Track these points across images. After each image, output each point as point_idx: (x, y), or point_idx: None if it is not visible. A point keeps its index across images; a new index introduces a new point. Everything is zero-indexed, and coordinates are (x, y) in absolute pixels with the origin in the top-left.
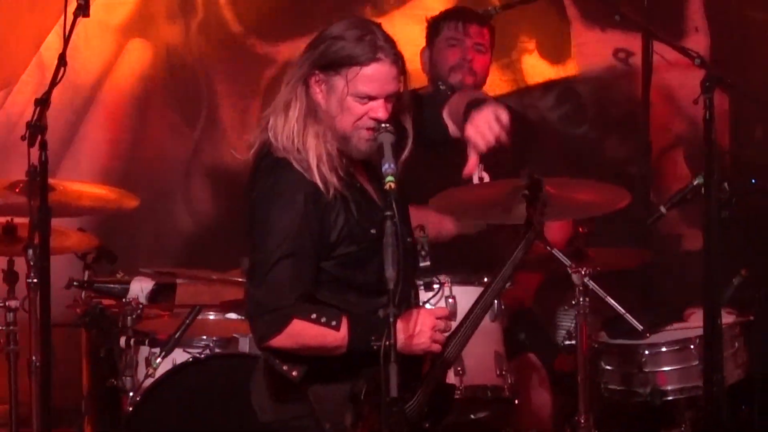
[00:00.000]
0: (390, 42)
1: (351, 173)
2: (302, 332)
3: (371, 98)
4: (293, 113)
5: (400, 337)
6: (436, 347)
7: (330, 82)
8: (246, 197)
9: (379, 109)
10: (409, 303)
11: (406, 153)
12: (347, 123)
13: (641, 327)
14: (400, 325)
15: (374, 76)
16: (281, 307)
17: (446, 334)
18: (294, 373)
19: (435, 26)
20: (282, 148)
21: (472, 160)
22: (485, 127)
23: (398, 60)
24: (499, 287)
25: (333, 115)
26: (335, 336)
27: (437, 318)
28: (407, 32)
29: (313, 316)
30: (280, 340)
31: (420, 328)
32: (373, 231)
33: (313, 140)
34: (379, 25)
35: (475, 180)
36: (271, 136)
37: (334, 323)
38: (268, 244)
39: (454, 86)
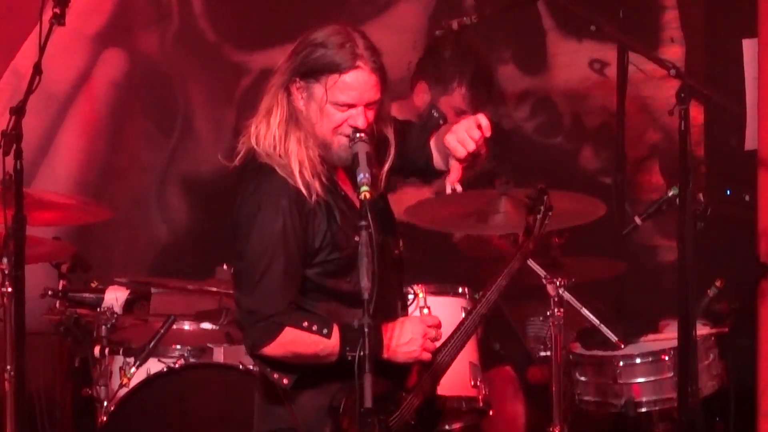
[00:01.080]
0: (372, 50)
1: (334, 181)
2: (294, 341)
3: (350, 106)
4: (275, 119)
5: (391, 344)
6: (426, 356)
7: (310, 89)
8: (231, 204)
9: (358, 117)
10: (395, 314)
11: (389, 163)
12: (327, 130)
13: (616, 338)
14: (390, 332)
15: (353, 84)
16: (273, 315)
17: (436, 343)
18: (285, 381)
19: (446, 80)
20: (265, 154)
21: (454, 169)
22: (464, 135)
23: (379, 68)
24: (493, 298)
25: (313, 122)
26: (326, 344)
27: (428, 326)
28: (382, 42)
29: (305, 324)
30: (272, 349)
31: (411, 335)
32: (356, 238)
33: (294, 146)
34: (362, 33)
35: (448, 190)
36: (254, 143)
37: (325, 331)
38: (255, 251)
39: None
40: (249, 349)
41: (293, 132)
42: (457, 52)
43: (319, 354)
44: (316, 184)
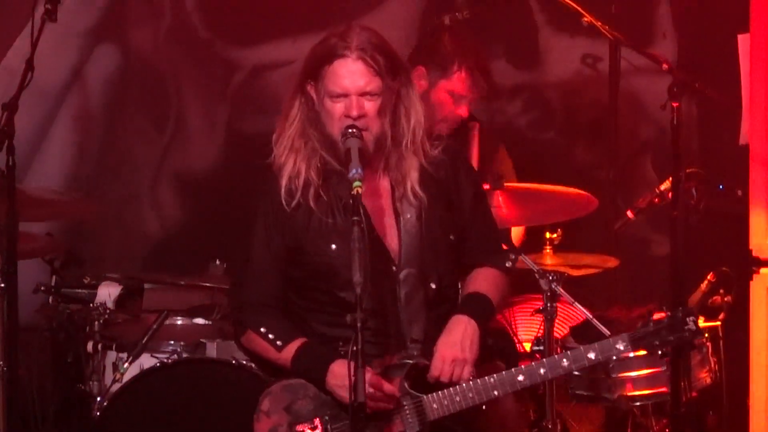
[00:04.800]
0: (366, 42)
1: (347, 183)
2: (253, 342)
3: (342, 95)
4: (289, 124)
5: (330, 381)
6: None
7: (318, 90)
8: None
9: (351, 107)
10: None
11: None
12: (332, 127)
13: (608, 332)
14: (339, 368)
15: (340, 71)
16: (240, 308)
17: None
18: (272, 379)
19: (445, 64)
20: (275, 155)
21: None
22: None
23: (369, 56)
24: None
25: (323, 122)
26: (278, 355)
27: (373, 389)
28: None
29: (262, 329)
30: (245, 341)
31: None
32: (333, 246)
33: (293, 156)
34: (368, 29)
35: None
36: (273, 143)
37: (279, 343)
38: (240, 247)
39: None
40: (234, 339)
41: (300, 137)
42: (457, 38)
43: (272, 361)
44: (310, 191)
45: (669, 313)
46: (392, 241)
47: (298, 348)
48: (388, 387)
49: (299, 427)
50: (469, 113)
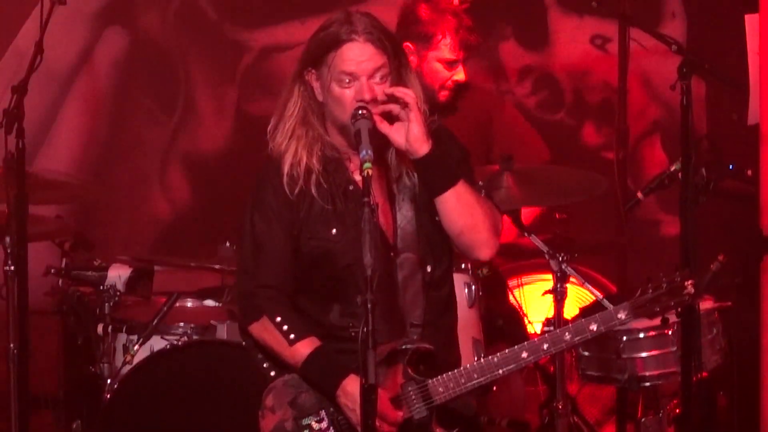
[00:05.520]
0: (371, 26)
1: (344, 170)
2: (265, 331)
3: (351, 78)
4: (288, 113)
5: (341, 399)
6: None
7: (322, 77)
8: None
9: (363, 90)
10: (403, 327)
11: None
12: (341, 113)
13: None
14: (351, 385)
15: (348, 54)
16: (250, 294)
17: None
18: (272, 373)
19: (428, 35)
20: (273, 145)
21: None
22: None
23: (377, 38)
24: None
25: (331, 109)
26: (288, 351)
27: (380, 417)
28: (384, 20)
29: (278, 319)
30: (255, 329)
31: (356, 412)
32: (333, 231)
33: (294, 144)
34: (368, 14)
35: None
36: (269, 135)
37: (292, 337)
38: (241, 234)
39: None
40: (239, 325)
41: (301, 127)
42: (432, 5)
43: (282, 355)
44: (312, 178)
45: (666, 279)
46: (388, 224)
47: (311, 353)
48: (395, 416)
49: (305, 421)
50: (467, 76)
